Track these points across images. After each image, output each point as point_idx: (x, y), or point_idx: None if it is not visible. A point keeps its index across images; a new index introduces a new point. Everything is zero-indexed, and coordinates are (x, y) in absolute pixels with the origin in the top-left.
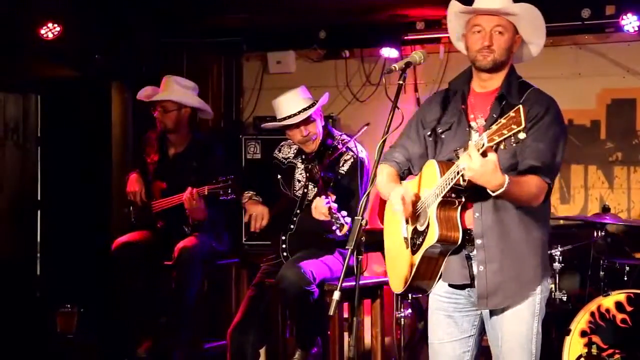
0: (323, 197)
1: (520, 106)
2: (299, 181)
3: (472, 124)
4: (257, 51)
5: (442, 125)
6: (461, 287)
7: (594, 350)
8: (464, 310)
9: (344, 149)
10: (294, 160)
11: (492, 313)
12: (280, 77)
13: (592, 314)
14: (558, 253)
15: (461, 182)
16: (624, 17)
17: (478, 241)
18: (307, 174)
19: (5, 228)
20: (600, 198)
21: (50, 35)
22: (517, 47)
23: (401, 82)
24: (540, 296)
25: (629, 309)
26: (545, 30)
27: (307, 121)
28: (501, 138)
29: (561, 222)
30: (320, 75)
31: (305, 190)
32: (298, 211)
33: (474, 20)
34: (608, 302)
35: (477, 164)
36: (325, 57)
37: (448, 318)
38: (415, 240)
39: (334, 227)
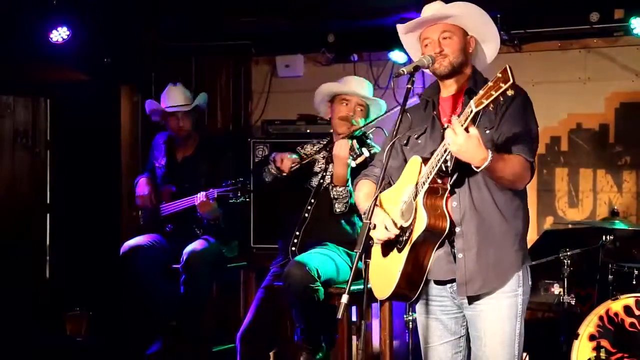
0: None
1: (507, 65)
2: (316, 173)
3: (446, 125)
4: (266, 55)
5: (416, 131)
6: (445, 282)
7: (603, 355)
8: (450, 312)
9: (369, 139)
10: (315, 156)
11: (475, 314)
12: (288, 81)
13: (601, 318)
14: (567, 257)
15: (443, 167)
16: (633, 20)
17: (457, 229)
18: (328, 162)
19: (15, 231)
20: (609, 202)
21: (60, 39)
22: (472, 47)
23: (410, 85)
24: (523, 297)
25: (637, 313)
26: (494, 25)
27: (361, 107)
28: (489, 99)
29: (570, 226)
30: (328, 78)
31: (322, 180)
32: (312, 200)
33: (423, 34)
34: (617, 306)
35: (461, 138)
36: (333, 61)
37: (436, 321)
38: (400, 238)
39: (349, 160)
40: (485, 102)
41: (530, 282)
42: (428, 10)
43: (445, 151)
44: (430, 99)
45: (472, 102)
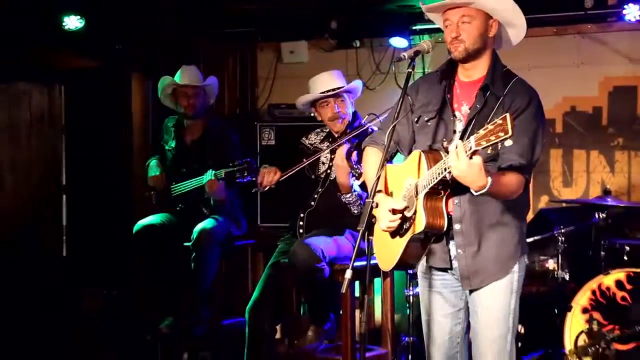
0: (345, 146)
1: (508, 115)
2: (323, 163)
3: (457, 113)
4: (271, 41)
5: (428, 112)
6: (441, 269)
7: (595, 326)
8: (451, 286)
9: (370, 130)
10: (319, 146)
11: (473, 290)
12: (293, 67)
13: (594, 292)
14: (561, 234)
15: (447, 177)
16: (626, 6)
17: (457, 226)
18: (333, 152)
19: (33, 212)
20: (602, 182)
21: (73, 28)
22: (493, 31)
23: (410, 70)
24: (518, 274)
25: (628, 287)
26: (520, 10)
27: (340, 99)
28: (488, 144)
29: (564, 205)
30: (331, 64)
31: (329, 171)
32: (320, 190)
33: (445, 15)
34: (608, 280)
35: (463, 165)
36: (336, 47)
37: (438, 294)
38: (402, 224)
39: (351, 178)
40: (484, 145)
41: (526, 261)
42: None
43: (445, 169)
44: (446, 77)
45: (472, 139)
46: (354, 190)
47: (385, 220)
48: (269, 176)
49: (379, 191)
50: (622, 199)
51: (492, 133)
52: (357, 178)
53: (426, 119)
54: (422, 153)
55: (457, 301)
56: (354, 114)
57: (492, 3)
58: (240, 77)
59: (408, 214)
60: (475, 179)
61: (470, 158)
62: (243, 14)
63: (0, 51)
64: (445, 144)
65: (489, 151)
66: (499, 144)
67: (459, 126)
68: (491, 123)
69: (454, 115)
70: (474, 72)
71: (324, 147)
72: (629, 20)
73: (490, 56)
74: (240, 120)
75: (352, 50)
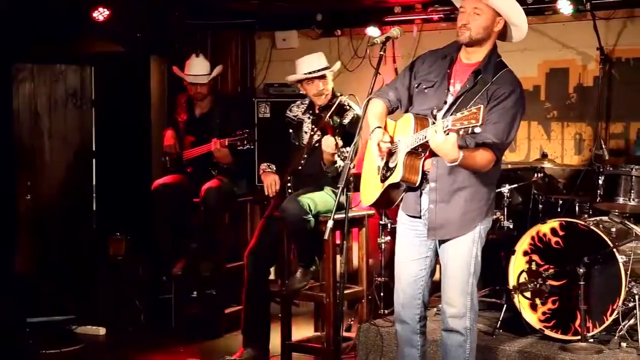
0: (331, 136)
1: (482, 106)
2: (306, 132)
3: (451, 87)
4: (267, 31)
5: (428, 82)
6: (414, 217)
7: (534, 266)
8: (421, 236)
9: (348, 106)
10: (302, 117)
11: (441, 240)
12: (285, 52)
13: (533, 238)
14: (507, 191)
15: (427, 143)
16: (560, 2)
17: (432, 184)
18: (316, 124)
19: (68, 173)
20: (540, 147)
21: (101, 18)
22: (498, 27)
23: (382, 53)
24: (481, 227)
25: (561, 233)
26: (523, 13)
27: (323, 78)
28: (462, 127)
29: (509, 166)
30: (317, 49)
31: (311, 139)
32: (305, 156)
33: (462, 3)
34: (545, 228)
35: (439, 140)
36: (321, 36)
37: (409, 242)
38: (384, 172)
39: (336, 158)
40: (459, 127)
41: (496, 215)
42: None
43: (425, 137)
44: (450, 55)
45: (450, 119)
46: (336, 163)
47: (375, 141)
48: (272, 187)
49: (379, 127)
50: (556, 161)
51: (466, 118)
52: (343, 160)
53: (425, 87)
54: (413, 117)
55: (425, 250)
56: (333, 88)
57: (501, 3)
58: (241, 61)
59: (391, 164)
60: (449, 152)
61: (447, 134)
62: (244, 8)
63: (41, 38)
64: (435, 111)
65: (461, 132)
66: (471, 128)
67: (450, 99)
68: (467, 109)
69: (448, 89)
70: (473, 57)
71: (306, 118)
72: (562, 13)
73: (490, 46)
74: (241, 96)
75: (334, 38)
